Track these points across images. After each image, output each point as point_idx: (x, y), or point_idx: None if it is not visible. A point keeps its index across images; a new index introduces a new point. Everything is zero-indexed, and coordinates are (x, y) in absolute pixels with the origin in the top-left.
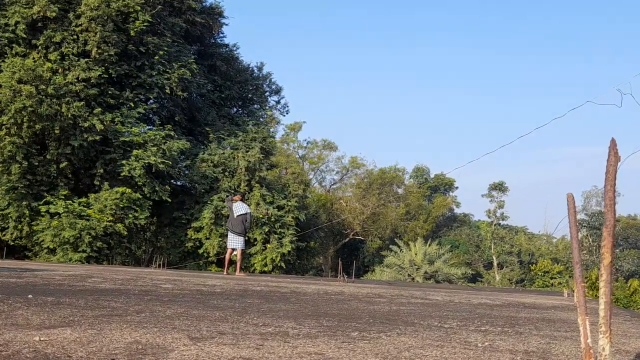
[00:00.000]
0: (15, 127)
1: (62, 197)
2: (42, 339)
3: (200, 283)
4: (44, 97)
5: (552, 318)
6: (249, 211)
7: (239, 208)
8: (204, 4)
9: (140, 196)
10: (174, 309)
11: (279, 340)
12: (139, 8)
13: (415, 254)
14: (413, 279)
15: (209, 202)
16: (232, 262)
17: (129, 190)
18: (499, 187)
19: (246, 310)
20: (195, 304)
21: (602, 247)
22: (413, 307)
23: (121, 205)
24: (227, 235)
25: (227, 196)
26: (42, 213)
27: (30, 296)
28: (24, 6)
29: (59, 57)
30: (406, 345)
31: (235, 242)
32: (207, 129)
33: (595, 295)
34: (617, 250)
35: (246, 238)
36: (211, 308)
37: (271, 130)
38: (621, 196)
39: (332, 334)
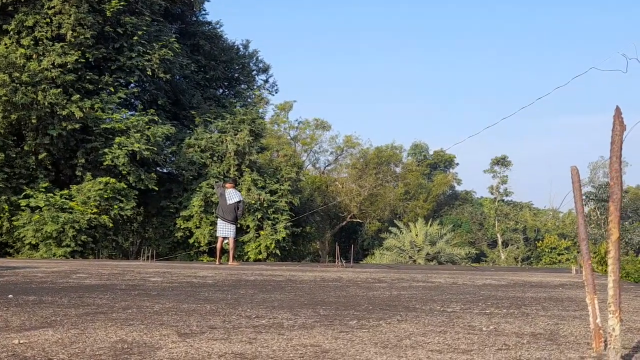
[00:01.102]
0: None
1: (43, 189)
2: (21, 341)
3: (190, 275)
4: (18, 85)
5: (560, 297)
6: (242, 199)
7: (232, 196)
8: None
9: (125, 186)
10: (163, 303)
11: (273, 332)
12: None
13: (416, 235)
14: (414, 261)
15: (197, 189)
16: (224, 251)
17: (112, 180)
18: (502, 161)
19: (239, 301)
20: (185, 297)
21: (609, 222)
22: (414, 291)
23: (105, 196)
24: (216, 224)
25: (217, 182)
26: (22, 207)
27: (10, 296)
28: None
29: (32, 42)
30: (407, 332)
31: (226, 230)
32: (193, 112)
33: (605, 271)
34: (626, 222)
35: (238, 226)
36: (202, 301)
37: (260, 111)
38: (629, 166)
39: (329, 323)
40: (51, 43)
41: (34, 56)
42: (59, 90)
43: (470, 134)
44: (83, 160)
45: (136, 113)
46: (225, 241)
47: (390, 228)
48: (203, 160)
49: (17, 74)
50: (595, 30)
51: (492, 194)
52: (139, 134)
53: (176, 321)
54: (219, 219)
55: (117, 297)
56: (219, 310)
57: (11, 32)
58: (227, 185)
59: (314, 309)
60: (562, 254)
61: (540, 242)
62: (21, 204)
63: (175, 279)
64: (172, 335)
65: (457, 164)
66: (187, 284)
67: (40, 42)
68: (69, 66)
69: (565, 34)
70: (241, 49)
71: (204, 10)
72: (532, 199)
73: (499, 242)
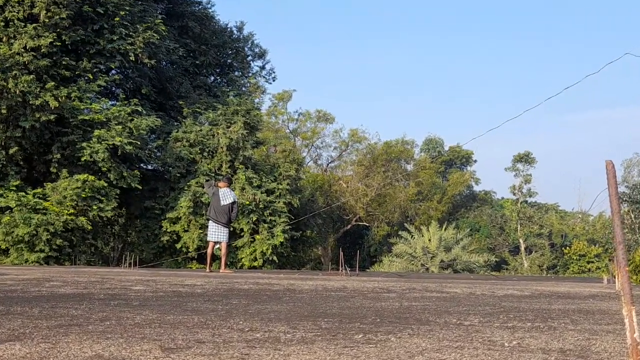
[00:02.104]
0: None
1: (14, 188)
2: None
3: (177, 283)
4: None
5: (590, 309)
6: (236, 200)
7: (226, 196)
8: None
9: (106, 184)
10: (145, 314)
11: (268, 347)
12: None
13: (429, 240)
14: (427, 269)
15: (186, 188)
16: (215, 258)
17: (91, 177)
18: (525, 158)
19: (231, 313)
20: (171, 308)
21: None
22: (427, 302)
23: (83, 196)
24: (207, 227)
25: (207, 180)
26: None
27: None
28: None
29: (2, 24)
30: (419, 348)
31: (218, 234)
32: (181, 102)
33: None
34: None
35: (231, 229)
36: (189, 312)
37: (256, 101)
38: None
39: (332, 337)
40: (23, 24)
41: (4, 39)
42: (31, 77)
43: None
44: (58, 156)
45: (118, 103)
46: (217, 246)
47: (400, 232)
48: (192, 156)
49: None
50: (629, 15)
51: (514, 194)
52: (120, 127)
53: (159, 334)
54: (210, 222)
55: (94, 308)
56: (208, 322)
57: None
58: (220, 184)
59: (314, 322)
60: (592, 262)
61: (567, 248)
62: None
63: (160, 287)
64: (154, 350)
65: (475, 161)
66: (173, 294)
67: (10, 24)
68: (42, 50)
69: (597, 18)
70: (235, 31)
71: None
72: (558, 200)
73: (522, 248)
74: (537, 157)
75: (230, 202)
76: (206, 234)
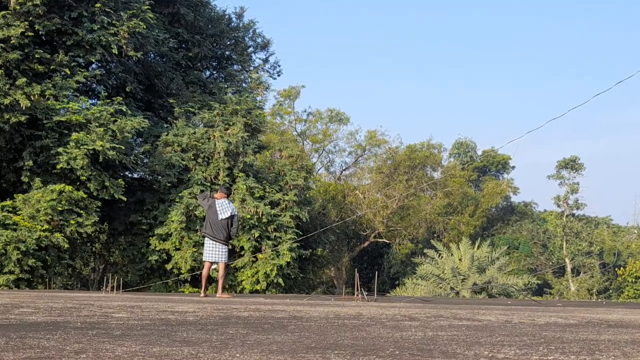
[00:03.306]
0: None
1: None
2: None
3: (166, 309)
4: None
5: None
6: (236, 213)
7: (224, 208)
8: None
9: (85, 195)
10: (127, 346)
11: None
12: None
13: (460, 260)
14: (457, 293)
15: (177, 199)
16: (212, 280)
17: (68, 187)
18: (571, 164)
19: (226, 344)
20: (158, 338)
21: None
22: (456, 331)
23: (59, 209)
24: (203, 244)
25: (202, 191)
26: None
27: None
28: None
29: None
30: None
31: (215, 254)
32: (171, 100)
33: None
34: None
35: (230, 247)
36: (178, 343)
37: (258, 99)
38: None
39: None
40: None
41: None
42: (0, 72)
43: (530, 129)
44: (31, 163)
45: (99, 102)
46: (214, 266)
47: (425, 250)
48: (184, 163)
49: None
50: None
51: (558, 206)
52: (102, 129)
53: None
54: (206, 239)
55: (69, 338)
56: (199, 355)
57: None
58: (217, 195)
59: (323, 354)
60: None
61: (621, 269)
62: None
63: (147, 315)
64: None
65: (513, 167)
66: (161, 322)
67: None
68: (13, 41)
69: None
70: (234, 19)
71: None
72: (611, 212)
73: (568, 269)
74: (585, 163)
75: (229, 215)
76: (201, 253)
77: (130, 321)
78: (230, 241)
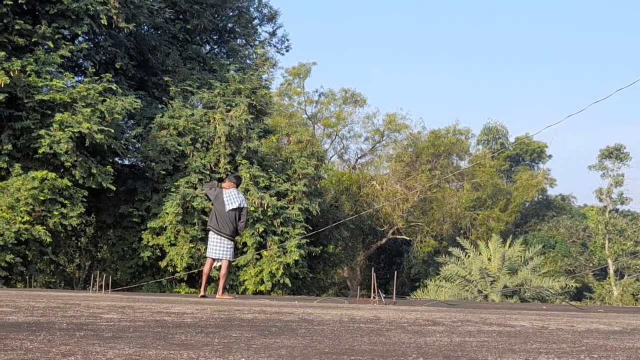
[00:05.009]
0: None
1: None
2: None
3: (161, 310)
4: None
5: None
6: (245, 205)
7: (232, 199)
8: None
9: (70, 183)
10: (120, 348)
11: None
12: None
13: (489, 260)
14: (486, 297)
15: (172, 189)
16: (211, 279)
17: (51, 174)
18: (616, 153)
19: (230, 348)
20: (153, 340)
21: None
22: (486, 337)
23: (41, 198)
24: (204, 239)
25: (210, 179)
26: None
27: None
28: None
29: None
30: None
31: (220, 250)
32: (167, 78)
33: None
34: None
35: (236, 243)
36: (177, 346)
37: (264, 77)
38: None
39: None
40: None
41: None
42: None
43: (570, 113)
44: (9, 147)
45: (86, 79)
46: (217, 264)
47: (450, 249)
48: (181, 148)
49: None
50: None
51: (600, 200)
52: (89, 109)
53: None
54: (210, 233)
55: (54, 340)
56: (200, 359)
57: None
58: (225, 184)
59: None
60: None
61: None
62: None
63: (140, 316)
64: None
65: (550, 156)
66: (156, 323)
67: None
68: None
69: None
70: None
71: None
72: None
73: (611, 271)
74: (631, 152)
75: (237, 206)
76: (199, 249)
77: (121, 322)
78: (238, 236)
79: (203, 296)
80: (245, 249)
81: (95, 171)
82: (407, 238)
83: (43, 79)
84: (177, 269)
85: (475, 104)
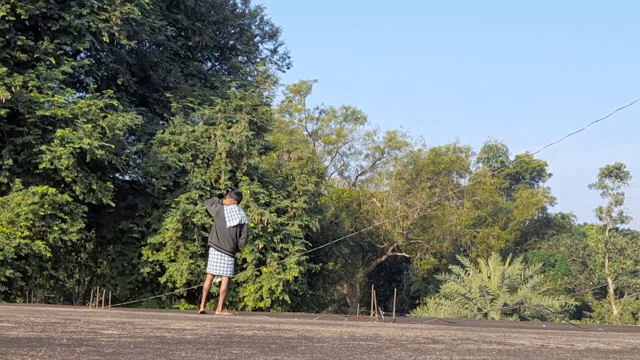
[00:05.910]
0: None
1: None
2: None
3: (161, 327)
4: None
5: None
6: (246, 222)
7: (233, 215)
8: None
9: (70, 199)
10: None
11: None
12: None
13: (489, 278)
14: (486, 315)
15: (173, 205)
16: (211, 296)
17: (52, 190)
18: (616, 172)
19: None
20: (154, 356)
21: None
22: (485, 355)
23: (41, 213)
24: (203, 255)
25: (210, 196)
26: None
27: None
28: None
29: None
30: None
31: (220, 265)
32: (168, 94)
33: None
34: None
35: (236, 260)
36: None
37: (265, 94)
38: None
39: None
40: None
41: None
42: None
43: (571, 132)
44: (10, 162)
45: (87, 95)
46: (217, 280)
47: (450, 267)
48: (182, 164)
49: None
50: None
51: (600, 219)
52: (90, 125)
53: None
54: (211, 249)
55: (55, 355)
56: None
57: None
58: (227, 200)
59: None
60: None
61: None
62: None
63: (140, 332)
64: None
65: (550, 174)
66: (156, 340)
67: None
68: None
69: None
70: (239, 5)
71: None
72: None
73: (611, 289)
74: (631, 171)
75: (238, 223)
76: (199, 265)
77: (121, 338)
78: (239, 252)
79: (203, 312)
80: (245, 265)
81: (95, 187)
82: (407, 255)
83: (45, 95)
84: (176, 285)
85: (476, 121)
